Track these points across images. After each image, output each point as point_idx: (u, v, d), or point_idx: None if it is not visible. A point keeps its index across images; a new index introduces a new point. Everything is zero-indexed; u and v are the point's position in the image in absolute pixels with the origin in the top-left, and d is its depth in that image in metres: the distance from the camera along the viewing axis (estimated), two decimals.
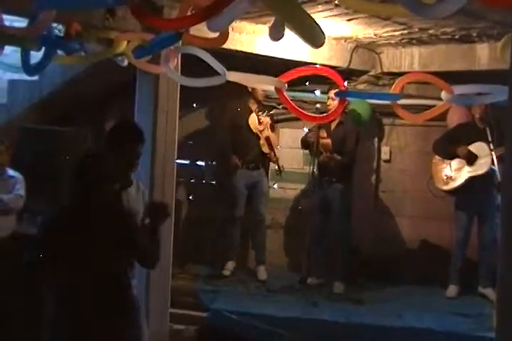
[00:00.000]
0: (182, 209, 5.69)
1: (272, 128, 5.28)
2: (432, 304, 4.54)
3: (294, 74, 3.57)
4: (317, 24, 1.67)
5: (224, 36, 2.89)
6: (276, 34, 1.84)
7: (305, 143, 5.01)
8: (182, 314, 4.33)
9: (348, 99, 3.94)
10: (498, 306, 1.46)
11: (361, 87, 5.49)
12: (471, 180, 4.71)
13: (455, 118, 4.91)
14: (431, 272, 4.98)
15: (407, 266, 5.10)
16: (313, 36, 1.63)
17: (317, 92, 5.21)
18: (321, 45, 1.72)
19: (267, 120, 5.24)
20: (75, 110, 5.67)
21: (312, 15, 2.75)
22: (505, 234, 1.51)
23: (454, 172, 4.83)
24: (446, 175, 4.87)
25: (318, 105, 4.77)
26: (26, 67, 3.57)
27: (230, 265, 5.22)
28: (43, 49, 3.43)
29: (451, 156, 4.82)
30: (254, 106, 5.29)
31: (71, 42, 3.52)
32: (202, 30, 3.13)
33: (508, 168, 1.55)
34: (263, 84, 3.84)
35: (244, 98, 5.34)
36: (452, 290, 4.80)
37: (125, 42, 3.63)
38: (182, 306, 4.38)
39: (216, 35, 2.92)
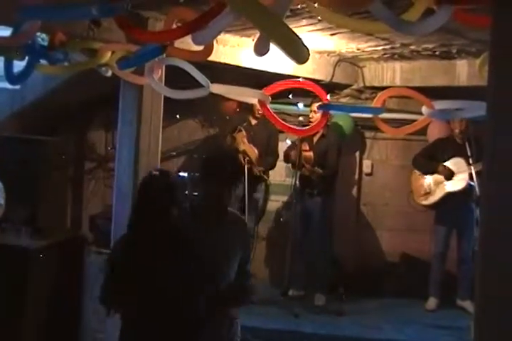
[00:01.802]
0: None
1: (249, 141, 5.21)
2: (412, 317, 4.58)
3: (277, 87, 3.61)
4: (301, 40, 1.70)
5: (208, 49, 2.91)
6: (261, 49, 1.87)
7: (287, 156, 5.03)
8: None
9: (331, 112, 4.00)
10: (475, 318, 1.48)
11: (344, 100, 5.54)
12: (449, 195, 4.78)
13: (435, 132, 4.98)
14: (411, 285, 5.02)
15: (388, 278, 5.14)
16: (298, 52, 1.66)
17: (300, 105, 5.25)
18: (306, 60, 1.75)
19: (240, 135, 5.19)
20: (57, 119, 5.66)
21: (296, 29, 2.79)
22: (483, 247, 1.53)
23: (433, 187, 4.89)
24: (425, 190, 4.92)
25: (301, 118, 4.81)
26: (9, 76, 3.56)
27: None
28: (27, 58, 3.43)
29: (430, 172, 4.88)
30: (253, 122, 5.28)
31: (55, 52, 3.52)
32: (186, 42, 3.17)
33: (486, 183, 1.58)
34: (246, 97, 3.86)
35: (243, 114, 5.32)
36: (432, 302, 4.85)
37: (109, 53, 3.64)
38: None
39: (201, 48, 2.94)
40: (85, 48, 3.81)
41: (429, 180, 4.94)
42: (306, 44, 1.79)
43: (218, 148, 3.34)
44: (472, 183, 4.56)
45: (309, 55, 1.75)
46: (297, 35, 1.77)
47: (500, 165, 1.48)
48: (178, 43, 3.31)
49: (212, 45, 2.88)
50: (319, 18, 3.31)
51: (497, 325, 1.43)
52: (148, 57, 3.27)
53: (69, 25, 3.66)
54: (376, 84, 5.32)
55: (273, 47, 1.96)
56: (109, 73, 3.88)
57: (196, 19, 2.44)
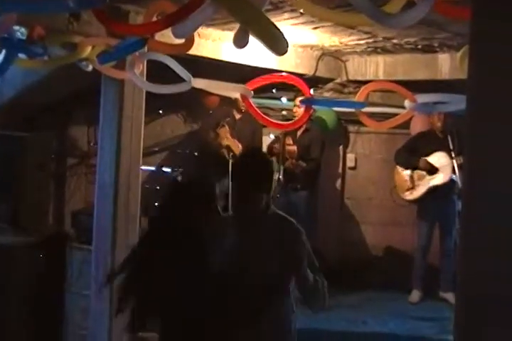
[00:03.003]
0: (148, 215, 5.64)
1: (232, 136, 5.18)
2: (396, 310, 4.61)
3: (260, 81, 3.58)
4: (280, 32, 1.68)
5: (189, 42, 2.88)
6: (240, 41, 1.85)
7: (271, 150, 5.02)
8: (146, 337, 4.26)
9: (314, 106, 3.97)
10: (456, 310, 1.48)
11: (327, 94, 5.54)
12: (432, 189, 4.80)
13: (418, 126, 5.00)
14: (394, 278, 5.05)
15: (372, 272, 5.16)
16: (277, 44, 1.64)
17: (283, 99, 5.23)
18: (285, 52, 1.73)
19: (223, 130, 5.16)
20: (38, 115, 5.59)
21: (278, 23, 2.77)
22: (464, 240, 1.53)
23: (417, 182, 4.90)
24: (408, 185, 4.94)
25: (284, 112, 4.80)
26: None
27: None
28: (4, 52, 3.37)
29: (412, 166, 4.90)
30: (237, 117, 5.25)
31: (33, 46, 3.47)
32: (167, 36, 3.14)
33: (466, 176, 1.57)
34: (229, 92, 3.84)
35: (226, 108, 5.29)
36: (415, 295, 4.88)
37: (89, 47, 3.59)
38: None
39: (182, 41, 2.91)
40: (65, 42, 3.77)
41: (412, 174, 4.95)
42: (286, 37, 1.77)
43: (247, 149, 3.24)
44: (454, 177, 4.59)
45: (288, 46, 1.73)
46: (277, 27, 1.76)
47: (480, 158, 1.48)
48: (159, 37, 3.28)
49: (193, 38, 2.85)
50: (301, 11, 3.29)
51: (477, 316, 1.43)
52: (129, 51, 3.23)
53: (48, 18, 3.61)
54: (359, 78, 5.32)
55: (254, 41, 1.94)
56: (90, 68, 3.83)
57: (176, 12, 2.41)
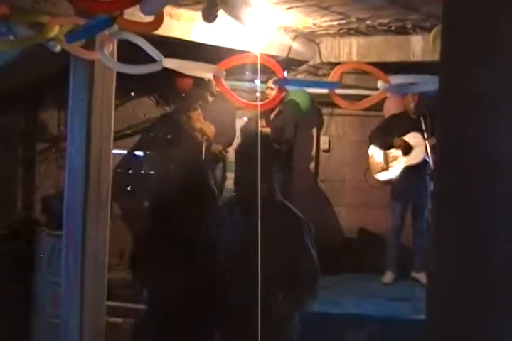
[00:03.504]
0: (120, 200, 5.58)
1: (205, 119, 5.12)
2: (369, 290, 4.65)
3: (232, 61, 3.51)
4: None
5: (159, 20, 2.81)
6: (209, 16, 1.80)
7: (244, 133, 4.98)
8: (119, 306, 4.24)
9: (287, 88, 3.92)
10: (427, 288, 1.49)
11: (301, 76, 5.51)
12: (406, 170, 4.82)
13: (391, 108, 5.01)
14: (368, 260, 5.09)
15: (346, 254, 5.18)
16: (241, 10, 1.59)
17: (257, 82, 5.19)
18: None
19: (196, 113, 5.10)
20: (5, 99, 5.46)
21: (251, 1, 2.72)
22: (436, 220, 1.53)
23: (390, 163, 4.92)
24: (382, 166, 4.95)
25: (257, 94, 4.76)
26: None
27: None
28: None
29: (386, 147, 4.91)
30: (210, 99, 5.19)
31: None
32: (136, 15, 3.06)
33: (439, 156, 1.56)
34: (201, 72, 3.77)
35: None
36: (388, 276, 4.93)
37: (57, 27, 3.50)
38: (119, 299, 4.30)
39: (151, 19, 2.84)
40: (32, 22, 3.66)
41: (385, 155, 4.96)
42: (260, 18, 1.72)
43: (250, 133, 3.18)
44: (427, 157, 4.61)
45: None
46: None
47: (451, 139, 1.47)
48: (129, 16, 3.20)
49: (162, 15, 2.78)
50: None
51: (447, 295, 1.43)
52: (97, 29, 3.14)
53: None
54: (333, 60, 5.29)
55: (227, 22, 1.89)
56: (58, 48, 3.72)
57: None
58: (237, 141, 5.13)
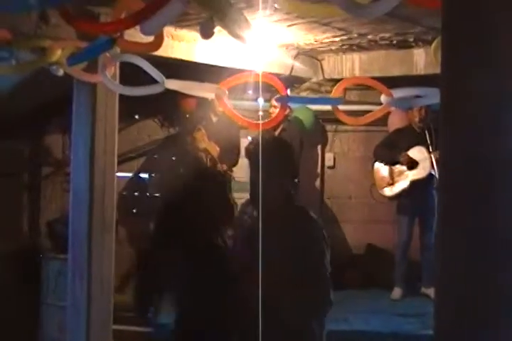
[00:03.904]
0: (126, 223, 5.55)
1: (210, 139, 5.10)
2: (378, 307, 4.59)
3: (234, 80, 3.52)
4: (248, 21, 1.63)
5: (159, 40, 2.81)
6: (206, 31, 1.80)
7: (249, 152, 4.95)
8: (125, 330, 4.19)
9: (291, 105, 3.92)
10: (435, 302, 1.46)
11: (304, 94, 5.51)
12: (412, 185, 4.78)
13: (395, 122, 4.99)
14: (376, 276, 5.03)
15: (353, 270, 5.11)
16: (243, 32, 1.59)
17: (260, 100, 5.18)
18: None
19: (200, 134, 5.10)
20: (10, 124, 5.48)
21: (252, 21, 2.73)
22: (441, 234, 1.50)
23: (396, 178, 4.89)
24: (388, 181, 4.92)
25: (260, 113, 4.74)
26: None
27: None
28: None
29: (391, 162, 4.88)
30: (214, 119, 5.19)
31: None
32: (136, 36, 3.07)
33: (441, 171, 1.54)
34: (203, 92, 3.77)
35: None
36: (397, 292, 4.86)
37: (59, 51, 3.51)
38: (125, 322, 4.25)
39: (151, 39, 2.84)
40: (34, 46, 3.68)
41: (391, 170, 4.93)
42: (261, 36, 1.72)
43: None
44: (433, 171, 4.58)
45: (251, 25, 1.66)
46: (245, 17, 1.70)
47: (455, 152, 1.45)
48: (129, 37, 3.21)
49: (163, 35, 2.79)
50: (275, 6, 3.25)
51: (456, 308, 1.41)
52: (98, 51, 3.16)
53: (14, 20, 3.53)
54: (336, 76, 5.29)
55: (228, 42, 1.88)
56: (61, 72, 3.74)
57: (144, 8, 2.36)
58: (251, 146, 5.09)
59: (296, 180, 2.56)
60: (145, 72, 3.30)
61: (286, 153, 2.56)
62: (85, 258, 3.91)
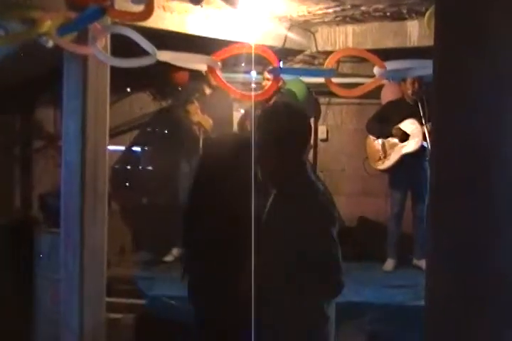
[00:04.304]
0: (119, 197, 5.55)
1: (203, 112, 5.05)
2: (370, 278, 4.61)
3: (226, 52, 3.48)
4: None
5: (149, 10, 2.78)
6: None
7: (241, 125, 4.94)
8: (119, 302, 4.22)
9: (283, 77, 3.88)
10: (426, 275, 1.47)
11: (297, 66, 5.46)
12: (404, 157, 4.78)
13: (388, 95, 4.96)
14: (369, 248, 5.07)
15: (346, 242, 5.13)
16: None
17: (253, 73, 5.14)
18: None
19: (193, 107, 5.06)
20: (1, 97, 5.42)
21: None
22: (433, 207, 1.51)
23: (389, 151, 4.88)
24: (380, 155, 4.91)
25: (253, 85, 4.71)
26: None
27: (176, 251, 5.12)
28: None
29: (384, 135, 4.87)
30: (207, 92, 5.15)
31: None
32: (127, 6, 3.03)
33: (433, 142, 1.53)
34: (195, 64, 3.73)
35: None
36: (389, 264, 4.90)
37: (49, 22, 3.46)
38: (119, 294, 4.28)
39: (141, 9, 2.81)
40: (24, 17, 3.62)
41: (383, 143, 4.92)
42: (255, 7, 1.68)
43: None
44: (425, 143, 4.57)
45: None
46: None
47: (447, 125, 1.44)
48: (119, 7, 3.17)
49: (153, 4, 2.75)
50: None
51: (447, 280, 1.42)
52: (88, 20, 3.11)
53: None
54: (329, 48, 5.25)
55: (222, 14, 1.84)
56: (50, 44, 3.69)
57: None
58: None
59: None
60: (136, 44, 3.26)
61: (304, 120, 2.45)
62: (78, 231, 3.92)
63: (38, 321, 4.40)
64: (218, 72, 3.51)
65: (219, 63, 3.45)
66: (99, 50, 3.53)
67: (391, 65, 3.26)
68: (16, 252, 4.66)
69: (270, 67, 3.55)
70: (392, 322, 3.92)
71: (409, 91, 4.76)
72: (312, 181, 2.34)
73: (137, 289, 4.35)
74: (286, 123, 2.32)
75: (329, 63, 3.36)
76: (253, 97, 3.59)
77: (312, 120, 5.63)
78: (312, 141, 5.63)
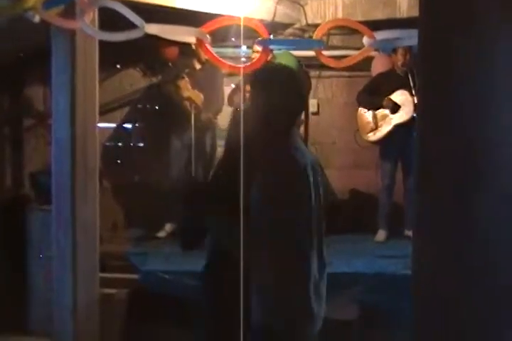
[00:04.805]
0: (110, 174, 5.55)
1: (193, 87, 5.03)
2: (361, 250, 4.66)
3: (215, 23, 3.44)
4: None
5: None
6: None
7: (231, 99, 4.92)
8: (112, 278, 4.24)
9: (274, 52, 3.84)
10: (413, 245, 1.48)
11: None
12: (395, 128, 4.78)
13: (379, 67, 4.95)
14: (361, 220, 5.10)
15: (338, 215, 5.16)
16: None
17: (243, 47, 5.10)
18: None
19: (183, 82, 5.02)
20: None
21: None
22: (419, 176, 1.52)
23: (380, 123, 4.88)
24: (371, 127, 4.91)
25: (243, 59, 4.68)
26: None
27: (168, 227, 5.13)
28: None
29: (374, 106, 4.86)
30: (198, 67, 5.11)
31: None
32: None
33: (419, 113, 1.53)
34: (183, 36, 3.69)
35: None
36: (381, 235, 4.94)
37: None
38: (112, 270, 4.30)
39: None
40: None
41: (374, 115, 4.92)
42: None
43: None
44: (415, 114, 4.58)
45: None
46: None
47: (431, 98, 1.44)
48: None
49: None
50: None
51: (432, 248, 1.43)
52: None
53: None
54: (319, 21, 5.20)
55: None
56: (37, 18, 3.64)
57: None
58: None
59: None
60: (124, 18, 3.22)
61: (297, 83, 2.40)
62: (69, 208, 3.91)
63: (32, 300, 4.42)
64: (207, 45, 3.48)
65: (208, 36, 3.42)
66: (87, 24, 3.48)
67: (380, 35, 3.24)
68: (8, 231, 4.66)
69: (259, 39, 3.53)
70: (384, 291, 3.97)
71: (400, 63, 4.75)
72: (292, 155, 2.26)
73: (130, 264, 4.37)
74: (281, 83, 2.28)
75: (318, 34, 3.33)
76: (242, 69, 3.57)
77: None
78: (303, 115, 5.62)
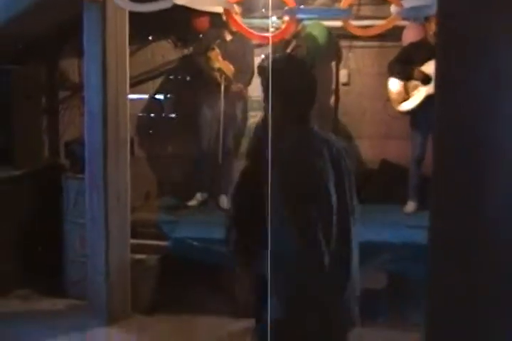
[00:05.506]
0: (143, 144, 5.64)
1: (224, 58, 5.02)
2: (391, 220, 4.66)
3: None
4: None
5: None
6: None
7: (261, 69, 4.91)
8: (143, 244, 4.36)
9: (304, 22, 3.82)
10: (430, 217, 1.49)
11: None
12: (426, 99, 4.70)
13: (410, 37, 4.84)
14: (391, 191, 5.08)
15: (368, 185, 5.15)
16: None
17: (273, 18, 5.07)
18: None
19: (214, 53, 5.04)
20: (25, 48, 5.46)
21: None
22: (437, 147, 1.51)
23: (410, 93, 4.81)
24: (402, 96, 4.84)
25: (271, 29, 4.65)
26: None
27: (200, 196, 5.21)
28: None
29: (406, 77, 4.78)
30: (228, 38, 5.11)
31: None
32: None
33: (437, 82, 1.52)
34: (211, 6, 3.72)
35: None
36: (410, 206, 4.90)
37: None
38: (143, 237, 4.41)
39: None
40: None
41: (405, 85, 4.85)
42: None
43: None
44: None
45: None
46: None
47: (450, 63, 1.42)
48: None
49: None
50: None
51: (448, 221, 1.44)
52: None
53: None
54: None
55: None
56: None
57: None
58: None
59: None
60: None
61: (298, 70, 2.42)
62: (101, 176, 4.02)
63: (68, 264, 4.57)
64: (235, 15, 3.50)
65: (235, 5, 3.44)
66: None
67: (408, 3, 3.22)
68: (46, 197, 4.80)
69: (286, 8, 3.52)
70: (411, 261, 3.97)
71: (432, 32, 4.64)
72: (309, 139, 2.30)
73: (161, 232, 4.47)
74: (284, 73, 2.30)
75: (345, 3, 3.32)
76: (270, 39, 3.58)
77: (333, 64, 5.56)
78: (333, 85, 5.58)
